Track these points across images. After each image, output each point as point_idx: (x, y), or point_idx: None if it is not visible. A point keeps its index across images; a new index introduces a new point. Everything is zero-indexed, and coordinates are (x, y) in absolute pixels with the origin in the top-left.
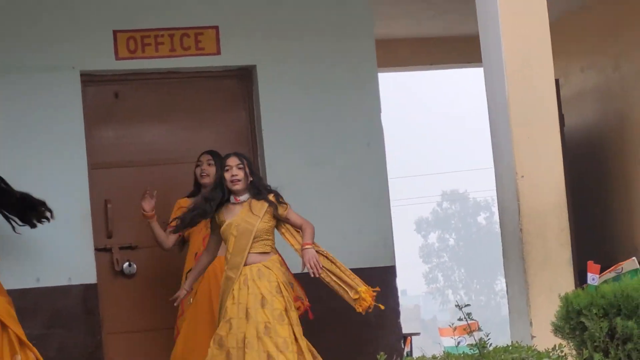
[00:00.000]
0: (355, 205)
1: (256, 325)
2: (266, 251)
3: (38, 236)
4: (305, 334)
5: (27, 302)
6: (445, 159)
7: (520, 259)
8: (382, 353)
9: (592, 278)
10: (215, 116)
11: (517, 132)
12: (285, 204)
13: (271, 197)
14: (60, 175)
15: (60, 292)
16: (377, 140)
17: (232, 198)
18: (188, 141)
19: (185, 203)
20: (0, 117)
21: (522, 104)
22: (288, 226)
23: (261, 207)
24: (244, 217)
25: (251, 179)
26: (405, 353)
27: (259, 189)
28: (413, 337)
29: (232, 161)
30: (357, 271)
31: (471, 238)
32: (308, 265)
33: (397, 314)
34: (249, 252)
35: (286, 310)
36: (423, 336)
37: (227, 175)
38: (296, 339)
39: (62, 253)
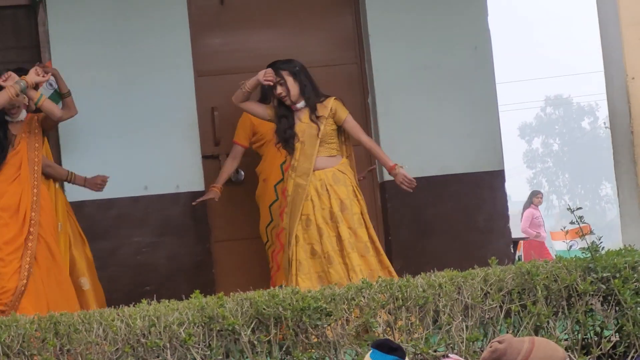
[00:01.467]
0: (463, 109)
1: (346, 228)
2: (332, 154)
3: (146, 144)
4: (412, 239)
5: (136, 210)
6: (549, 63)
7: (632, 162)
8: (493, 257)
9: None
10: (321, 21)
11: (627, 33)
12: (345, 110)
13: (332, 100)
14: (167, 83)
15: (169, 200)
16: (484, 43)
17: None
18: (294, 46)
19: None
20: (107, 28)
21: (632, 3)
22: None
23: (322, 110)
24: (307, 122)
25: (298, 86)
26: (516, 257)
27: (311, 93)
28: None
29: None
30: (466, 176)
31: (575, 143)
32: (403, 187)
33: (506, 218)
34: (316, 157)
35: (362, 213)
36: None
37: (275, 92)
38: (373, 241)
39: (170, 161)
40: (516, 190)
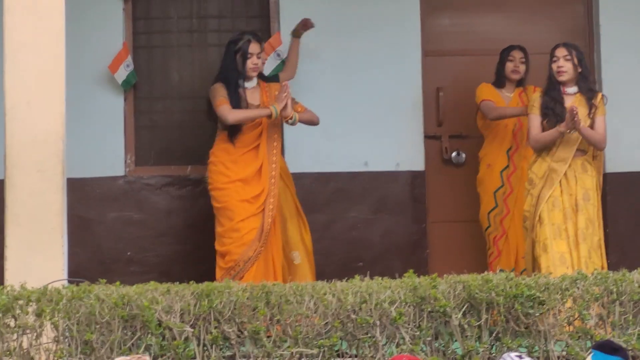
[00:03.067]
0: None
1: (584, 218)
2: (584, 148)
3: (369, 121)
4: (630, 233)
5: (355, 185)
6: None
7: None
8: None
9: None
10: (552, 8)
11: None
12: (604, 110)
13: (600, 96)
14: (393, 61)
15: (387, 178)
16: None
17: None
18: (522, 32)
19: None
20: (337, 4)
21: None
22: None
23: (587, 103)
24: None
25: (580, 70)
26: None
27: (587, 82)
28: None
29: (560, 52)
30: None
31: None
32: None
33: None
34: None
35: (599, 208)
36: None
37: (553, 67)
38: (600, 238)
39: (392, 139)
40: None
